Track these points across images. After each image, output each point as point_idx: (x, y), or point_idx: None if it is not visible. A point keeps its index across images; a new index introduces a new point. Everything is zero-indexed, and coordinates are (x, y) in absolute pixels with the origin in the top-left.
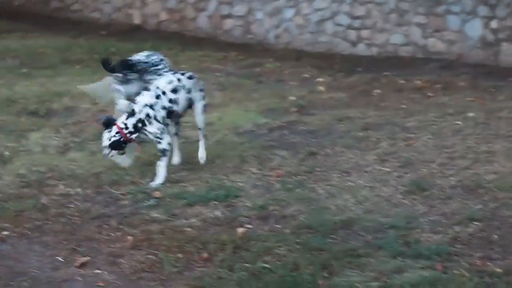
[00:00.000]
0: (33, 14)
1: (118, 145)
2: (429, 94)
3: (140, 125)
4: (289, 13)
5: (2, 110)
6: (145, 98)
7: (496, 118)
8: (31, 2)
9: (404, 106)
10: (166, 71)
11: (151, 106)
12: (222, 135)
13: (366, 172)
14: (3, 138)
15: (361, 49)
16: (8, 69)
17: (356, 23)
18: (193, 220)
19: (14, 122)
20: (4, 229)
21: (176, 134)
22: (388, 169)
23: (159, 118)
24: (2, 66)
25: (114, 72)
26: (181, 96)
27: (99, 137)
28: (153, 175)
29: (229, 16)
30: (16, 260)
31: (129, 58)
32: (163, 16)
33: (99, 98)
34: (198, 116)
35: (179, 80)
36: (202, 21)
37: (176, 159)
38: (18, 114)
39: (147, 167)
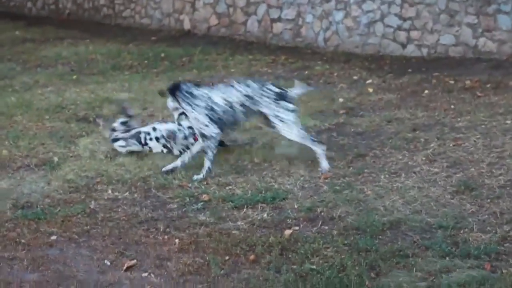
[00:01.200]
0: (84, 21)
1: None
2: (479, 94)
3: None
4: (338, 15)
5: (52, 117)
6: None
7: None
8: (82, 10)
9: (453, 107)
10: None
11: None
12: (270, 138)
13: (414, 173)
14: (52, 144)
15: (411, 50)
16: (59, 76)
17: (406, 24)
18: (240, 222)
19: (64, 128)
20: (53, 233)
21: None
22: (436, 170)
23: None
24: (53, 73)
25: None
26: None
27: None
28: (202, 181)
29: (278, 19)
30: (64, 264)
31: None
32: (213, 21)
33: None
34: None
35: None
36: (252, 25)
37: None
38: (68, 120)
39: (194, 171)
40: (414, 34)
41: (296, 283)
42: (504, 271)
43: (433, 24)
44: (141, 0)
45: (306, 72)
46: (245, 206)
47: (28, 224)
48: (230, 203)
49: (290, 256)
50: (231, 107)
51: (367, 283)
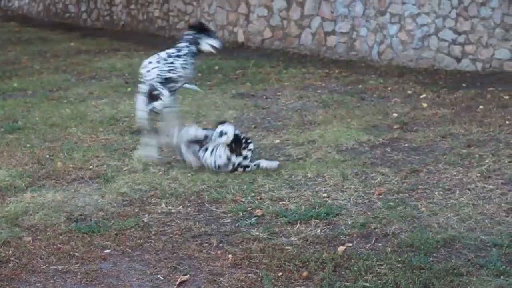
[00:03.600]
0: (138, 33)
1: None
2: None
3: None
4: (393, 29)
5: (106, 129)
6: None
7: None
8: (136, 21)
9: (508, 122)
10: None
11: None
12: (324, 153)
13: (469, 189)
14: (106, 156)
15: (465, 65)
16: (113, 88)
17: (461, 38)
18: (293, 238)
19: (118, 140)
20: (106, 247)
21: None
22: (491, 186)
23: None
24: (107, 85)
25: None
26: None
27: None
28: (254, 194)
29: (332, 32)
30: (117, 278)
31: None
32: (267, 33)
33: None
34: None
35: None
36: (306, 38)
37: None
38: (122, 133)
39: (248, 185)
40: (469, 48)
41: None
42: None
43: (488, 38)
44: (195, 12)
45: (360, 86)
46: (299, 222)
47: (82, 237)
48: (284, 218)
49: (343, 273)
50: None
51: None
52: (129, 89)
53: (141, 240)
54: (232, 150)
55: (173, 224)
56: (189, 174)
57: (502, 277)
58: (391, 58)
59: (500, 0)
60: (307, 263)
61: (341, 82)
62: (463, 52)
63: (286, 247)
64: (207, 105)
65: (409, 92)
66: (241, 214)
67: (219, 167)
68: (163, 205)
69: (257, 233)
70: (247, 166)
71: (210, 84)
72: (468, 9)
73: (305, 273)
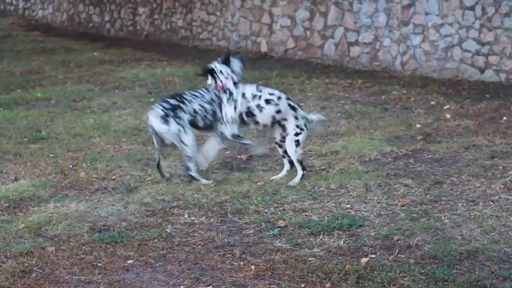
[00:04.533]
0: (161, 43)
1: None
2: None
3: None
4: (416, 39)
5: (129, 139)
6: None
7: None
8: (160, 31)
9: None
10: None
11: None
12: (347, 164)
13: (492, 201)
14: (129, 166)
15: (489, 76)
16: (136, 98)
17: (484, 49)
18: (316, 249)
19: (141, 151)
20: (129, 257)
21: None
22: None
23: None
24: (130, 95)
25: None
26: None
27: (224, 166)
28: (277, 205)
29: (356, 43)
30: None
31: None
32: (290, 44)
33: None
34: None
35: None
36: (329, 49)
37: None
38: (145, 143)
39: (271, 196)
40: (493, 59)
41: None
42: None
43: (511, 49)
44: (219, 22)
45: (383, 96)
46: (322, 233)
47: (105, 247)
48: (307, 229)
49: (366, 284)
50: None
51: None
52: (152, 99)
53: (164, 251)
54: None
55: (196, 234)
56: (212, 185)
57: None
58: (414, 68)
59: None
60: (330, 275)
61: (364, 93)
62: (486, 63)
63: (309, 259)
64: None
65: (432, 103)
66: (264, 225)
67: None
68: (186, 215)
69: (280, 244)
70: None
71: None
72: (492, 20)
73: (328, 285)
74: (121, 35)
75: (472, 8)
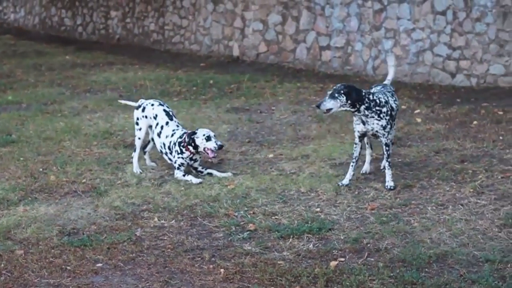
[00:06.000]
0: (133, 47)
1: None
2: None
3: None
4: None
5: (100, 143)
6: None
7: None
8: (132, 35)
9: (502, 138)
10: None
11: None
12: (318, 167)
13: (462, 205)
14: (100, 170)
15: (460, 80)
16: (108, 101)
17: (456, 54)
18: (285, 253)
19: (111, 154)
20: (98, 261)
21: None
22: (484, 202)
23: None
24: (102, 98)
25: None
26: None
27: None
28: (247, 208)
29: (327, 47)
30: None
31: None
32: (262, 48)
33: None
34: None
35: None
36: (301, 53)
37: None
38: (116, 147)
39: (241, 200)
40: (464, 63)
41: None
42: None
43: (482, 54)
44: (191, 26)
45: None
46: (291, 236)
47: (74, 251)
48: (276, 232)
49: None
50: None
51: None
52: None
53: (133, 254)
54: None
55: (165, 238)
56: (182, 188)
57: None
58: (386, 73)
59: (494, 16)
60: (299, 278)
61: None
62: (457, 68)
63: (278, 262)
64: (201, 119)
65: (404, 107)
66: (234, 228)
67: None
68: (156, 219)
69: (250, 248)
70: None
71: (204, 98)
72: (463, 25)
73: None
74: (93, 39)
75: (443, 13)
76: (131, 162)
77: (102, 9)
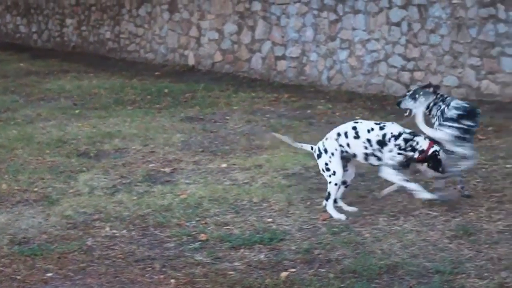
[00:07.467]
0: (89, 55)
1: None
2: (480, 137)
3: None
4: (342, 54)
5: (53, 151)
6: None
7: None
8: (87, 43)
9: None
10: None
11: None
12: (271, 178)
13: (413, 216)
14: (52, 179)
15: None
16: (62, 110)
17: (410, 65)
18: (237, 263)
19: (64, 163)
20: (48, 270)
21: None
22: (435, 213)
23: None
24: (56, 107)
25: None
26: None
27: (147, 179)
28: (199, 218)
29: (283, 57)
30: None
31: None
32: (217, 57)
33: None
34: None
35: None
36: (256, 62)
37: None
38: (68, 155)
39: (193, 209)
40: (418, 74)
41: None
42: None
43: (436, 65)
44: (146, 34)
45: (309, 111)
46: (243, 247)
47: (24, 260)
48: (228, 243)
49: None
50: None
51: None
52: (77, 111)
53: (84, 264)
54: None
55: (116, 248)
56: (134, 198)
57: None
58: (340, 83)
59: (449, 27)
60: None
61: (290, 107)
62: (412, 79)
63: (229, 272)
64: (155, 128)
65: (357, 117)
66: (185, 238)
67: None
68: (107, 228)
69: (201, 258)
70: None
71: (159, 107)
72: (417, 36)
73: None
74: (48, 46)
75: (398, 24)
76: (85, 171)
77: (57, 17)
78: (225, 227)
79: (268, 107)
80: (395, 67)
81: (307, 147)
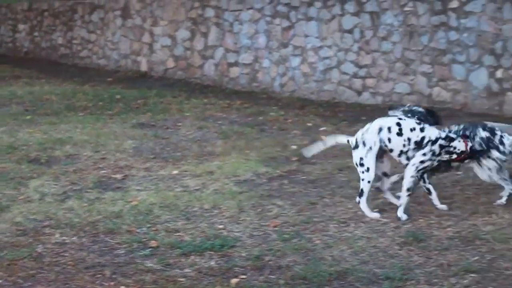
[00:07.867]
0: (41, 60)
1: None
2: None
3: None
4: (295, 61)
5: (3, 157)
6: None
7: None
8: (39, 48)
9: None
10: None
11: None
12: (222, 184)
13: (363, 222)
14: (1, 185)
15: (365, 98)
16: (12, 116)
17: (362, 72)
18: (187, 270)
19: (14, 169)
20: None
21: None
22: (386, 220)
23: None
24: (7, 113)
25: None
26: None
27: (98, 185)
28: (150, 225)
29: (235, 64)
30: None
31: None
32: (170, 63)
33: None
34: None
35: None
36: (209, 69)
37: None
38: (19, 162)
39: (144, 216)
40: (370, 81)
41: None
42: None
43: (388, 72)
44: (99, 40)
45: (261, 117)
46: (193, 253)
47: None
48: (178, 249)
49: None
50: None
51: None
52: (28, 117)
53: (34, 271)
54: None
55: (66, 254)
56: (85, 204)
57: None
58: (292, 90)
59: (401, 34)
60: None
61: (242, 114)
62: (364, 86)
63: (180, 279)
64: (106, 134)
65: (309, 124)
66: (136, 245)
67: None
68: (57, 235)
69: (151, 265)
70: None
71: (110, 113)
72: (369, 43)
73: None
74: (0, 52)
75: (350, 31)
76: (35, 178)
77: (9, 22)
78: (175, 234)
79: (220, 113)
80: (347, 74)
81: (342, 139)
